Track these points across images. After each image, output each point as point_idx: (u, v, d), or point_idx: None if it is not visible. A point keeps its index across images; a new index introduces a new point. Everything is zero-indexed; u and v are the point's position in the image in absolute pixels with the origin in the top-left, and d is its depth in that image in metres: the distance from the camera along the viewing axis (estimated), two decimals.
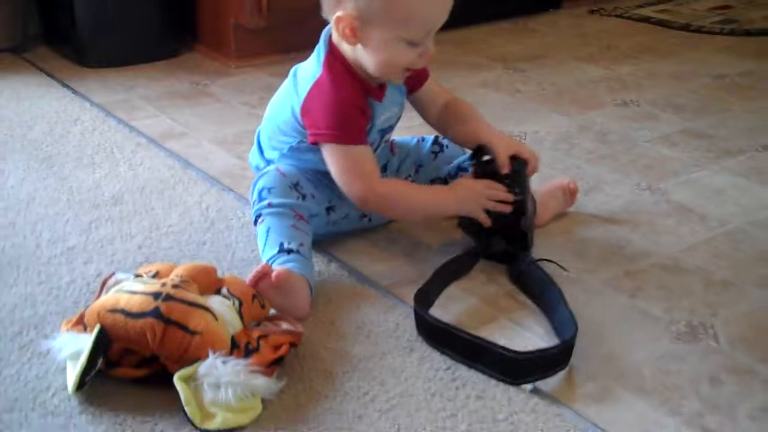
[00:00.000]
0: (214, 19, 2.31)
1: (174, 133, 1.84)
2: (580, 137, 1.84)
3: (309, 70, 1.30)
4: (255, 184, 1.33)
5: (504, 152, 1.33)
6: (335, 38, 1.27)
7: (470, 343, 1.11)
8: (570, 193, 1.50)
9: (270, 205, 1.28)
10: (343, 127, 1.25)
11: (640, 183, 1.62)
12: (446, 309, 1.22)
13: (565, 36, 2.59)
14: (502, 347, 1.09)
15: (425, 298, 1.20)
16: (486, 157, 1.33)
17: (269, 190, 1.30)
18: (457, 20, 2.83)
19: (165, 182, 1.60)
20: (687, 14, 2.80)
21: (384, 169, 1.42)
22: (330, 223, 1.37)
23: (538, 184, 1.51)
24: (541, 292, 1.24)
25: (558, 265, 1.29)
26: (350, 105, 1.26)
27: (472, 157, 1.37)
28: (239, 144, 1.77)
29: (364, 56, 1.26)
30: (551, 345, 1.11)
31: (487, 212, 1.31)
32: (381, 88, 1.31)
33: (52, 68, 2.21)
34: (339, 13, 1.23)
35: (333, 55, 1.28)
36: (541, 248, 1.38)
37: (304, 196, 1.30)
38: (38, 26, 2.41)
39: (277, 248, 1.24)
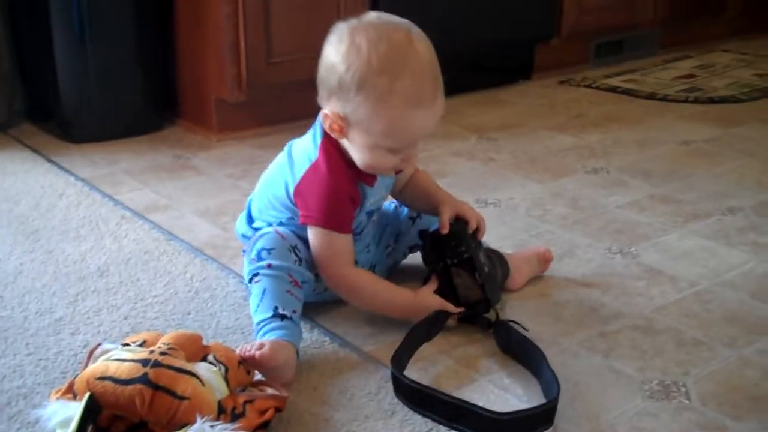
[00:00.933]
0: (196, 95, 2.38)
1: (158, 205, 1.88)
2: (553, 203, 1.90)
3: (305, 150, 1.35)
4: (254, 244, 1.35)
5: (447, 215, 1.39)
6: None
7: (449, 405, 1.13)
8: (544, 260, 1.54)
9: (269, 266, 1.31)
10: (332, 215, 1.31)
11: (612, 247, 1.68)
12: (425, 371, 1.25)
13: (535, 106, 2.67)
14: (482, 408, 1.12)
15: (399, 360, 1.23)
16: (433, 227, 1.42)
17: (269, 251, 1.32)
18: None
19: (150, 254, 1.63)
20: (652, 83, 2.90)
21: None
22: (316, 292, 1.40)
23: (512, 249, 1.57)
24: (523, 353, 1.28)
25: (520, 326, 1.34)
26: (342, 193, 1.31)
27: (421, 235, 1.44)
28: (222, 215, 1.81)
29: (351, 151, 1.31)
30: (533, 405, 1.15)
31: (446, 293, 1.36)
32: (373, 174, 1.36)
33: (37, 144, 2.25)
34: (326, 111, 1.29)
35: (329, 139, 1.32)
36: (517, 311, 1.42)
37: (300, 260, 1.34)
38: (22, 103, 2.46)
39: (271, 312, 1.27)
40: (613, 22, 3.06)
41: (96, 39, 2.22)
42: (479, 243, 1.41)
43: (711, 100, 2.70)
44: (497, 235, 1.70)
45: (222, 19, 2.19)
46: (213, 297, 1.47)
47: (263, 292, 1.29)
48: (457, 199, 1.46)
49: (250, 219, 1.44)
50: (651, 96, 2.76)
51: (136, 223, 1.77)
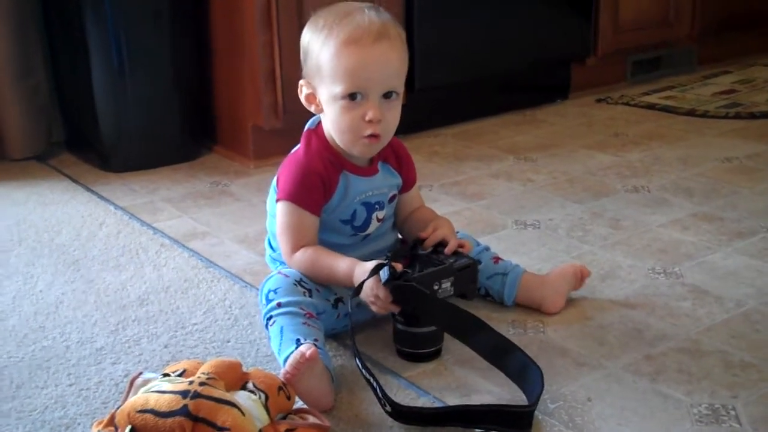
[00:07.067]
0: (233, 122, 2.39)
1: (196, 233, 1.89)
2: (594, 224, 1.87)
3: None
4: (261, 289, 1.37)
5: (435, 230, 1.40)
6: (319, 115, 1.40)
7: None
8: (580, 277, 1.51)
9: (279, 305, 1.32)
10: (300, 191, 1.37)
11: (655, 267, 1.65)
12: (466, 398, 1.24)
13: (573, 125, 2.65)
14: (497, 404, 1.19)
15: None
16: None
17: (275, 291, 1.34)
18: (466, 113, 2.91)
19: (189, 281, 1.63)
20: (692, 100, 2.86)
21: None
22: (342, 316, 1.39)
23: (549, 268, 1.54)
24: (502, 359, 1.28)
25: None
26: (313, 174, 1.37)
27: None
28: (260, 241, 1.81)
29: (328, 124, 1.37)
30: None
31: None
32: (371, 165, 1.41)
33: (77, 174, 2.28)
34: (300, 82, 1.37)
35: (313, 130, 1.41)
36: (560, 335, 1.40)
37: (309, 291, 1.35)
38: (62, 134, 2.49)
39: (294, 344, 1.26)
40: (650, 39, 3.04)
41: (134, 70, 2.24)
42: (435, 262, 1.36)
43: (752, 116, 2.66)
44: (537, 257, 1.69)
45: (258, 48, 2.20)
46: (252, 324, 1.46)
47: (281, 330, 1.29)
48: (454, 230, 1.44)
49: (271, 248, 1.49)
50: (690, 113, 2.72)
51: (176, 251, 1.77)
